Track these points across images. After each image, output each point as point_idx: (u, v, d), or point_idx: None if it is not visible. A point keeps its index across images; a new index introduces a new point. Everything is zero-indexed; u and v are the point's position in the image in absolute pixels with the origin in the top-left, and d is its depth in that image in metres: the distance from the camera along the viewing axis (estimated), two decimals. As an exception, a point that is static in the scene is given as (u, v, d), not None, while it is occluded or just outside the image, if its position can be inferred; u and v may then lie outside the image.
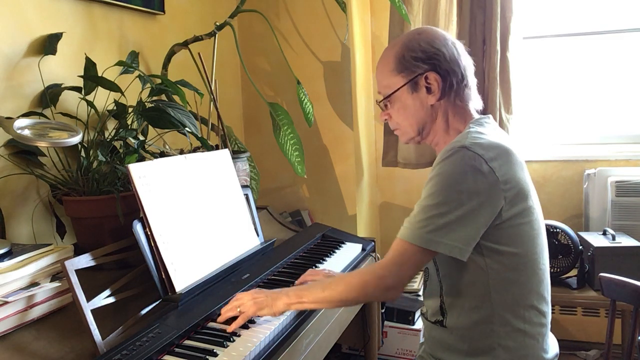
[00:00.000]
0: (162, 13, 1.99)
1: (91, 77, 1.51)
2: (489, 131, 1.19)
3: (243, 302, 1.19)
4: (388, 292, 1.12)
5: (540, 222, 1.21)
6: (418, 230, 1.10)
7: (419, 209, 1.12)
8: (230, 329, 1.14)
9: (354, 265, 1.68)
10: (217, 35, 1.93)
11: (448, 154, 1.11)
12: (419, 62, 1.20)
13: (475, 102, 1.26)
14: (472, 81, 1.25)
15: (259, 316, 1.19)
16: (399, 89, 1.23)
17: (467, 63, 1.24)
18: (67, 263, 1.05)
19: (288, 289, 1.23)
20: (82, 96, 1.53)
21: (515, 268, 1.16)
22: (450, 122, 1.24)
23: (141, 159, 1.50)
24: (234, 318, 1.17)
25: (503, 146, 1.14)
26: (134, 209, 1.26)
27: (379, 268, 1.13)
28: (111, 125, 1.61)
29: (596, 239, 2.28)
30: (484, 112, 1.30)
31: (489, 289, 1.15)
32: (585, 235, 2.35)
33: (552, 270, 2.33)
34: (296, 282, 1.43)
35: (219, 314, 1.21)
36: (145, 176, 1.23)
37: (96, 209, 1.38)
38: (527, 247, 1.16)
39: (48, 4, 1.56)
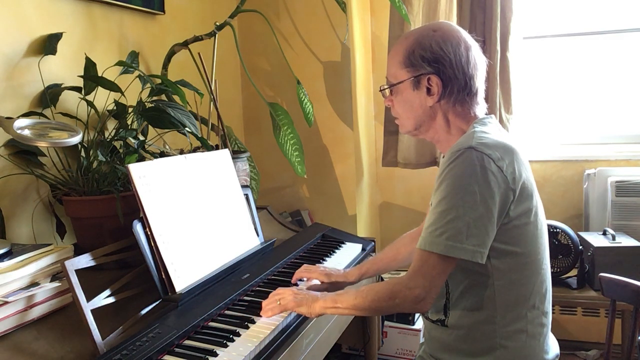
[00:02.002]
0: (162, 13, 2.00)
1: (91, 77, 1.51)
2: (493, 130, 1.18)
3: (284, 296, 1.21)
4: (418, 304, 1.09)
5: (543, 222, 1.21)
6: (437, 238, 1.08)
7: (434, 216, 1.10)
8: (265, 315, 1.19)
9: (354, 266, 1.68)
10: (217, 35, 1.93)
11: (455, 156, 1.10)
12: (425, 62, 1.19)
13: (479, 108, 1.24)
14: (478, 88, 1.23)
15: (295, 312, 1.23)
16: (402, 82, 1.23)
17: (476, 70, 1.21)
18: (67, 263, 1.05)
19: (325, 293, 1.24)
20: (82, 96, 1.53)
21: (519, 268, 1.15)
22: (451, 122, 1.23)
23: (141, 159, 1.50)
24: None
25: (509, 146, 1.14)
26: (134, 209, 1.26)
27: (406, 279, 1.11)
28: (111, 125, 1.61)
29: (596, 239, 2.28)
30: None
31: (492, 289, 1.15)
32: (585, 235, 2.35)
33: (552, 270, 2.32)
34: (292, 279, 1.43)
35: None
36: (145, 176, 1.23)
37: (96, 209, 1.38)
38: (531, 247, 1.16)
39: (48, 4, 1.56)
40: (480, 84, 1.23)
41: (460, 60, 1.19)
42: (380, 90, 1.31)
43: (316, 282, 1.41)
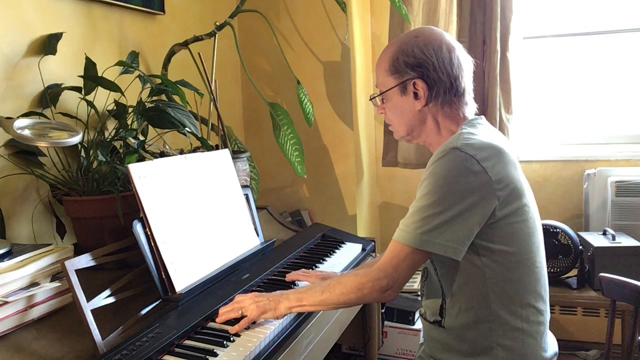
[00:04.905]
0: (162, 13, 2.00)
1: (91, 77, 1.51)
2: (481, 132, 1.20)
3: (245, 306, 1.19)
4: (385, 294, 1.13)
5: (536, 221, 1.22)
6: (412, 232, 1.11)
7: (413, 210, 1.13)
8: (233, 330, 1.14)
9: (354, 266, 1.68)
10: (217, 35, 1.93)
11: (440, 155, 1.12)
12: (409, 67, 1.21)
13: (468, 109, 1.26)
14: (466, 88, 1.24)
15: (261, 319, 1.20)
16: (390, 89, 1.26)
17: (461, 70, 1.23)
18: (67, 263, 1.05)
19: (288, 291, 1.23)
20: (82, 96, 1.53)
21: (511, 267, 1.16)
22: (441, 124, 1.25)
23: (141, 159, 1.50)
24: (235, 320, 1.17)
25: (495, 146, 1.15)
26: (134, 209, 1.26)
27: (375, 270, 1.14)
28: (111, 125, 1.61)
29: (596, 239, 2.28)
30: (482, 112, 1.29)
31: (485, 288, 1.16)
32: (585, 235, 2.35)
33: (552, 270, 2.33)
34: (287, 278, 1.42)
35: (217, 314, 1.21)
36: (145, 176, 1.23)
37: (96, 209, 1.38)
38: (522, 246, 1.17)
39: (48, 4, 1.56)
40: (467, 84, 1.25)
41: (443, 62, 1.21)
42: (371, 99, 1.34)
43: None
